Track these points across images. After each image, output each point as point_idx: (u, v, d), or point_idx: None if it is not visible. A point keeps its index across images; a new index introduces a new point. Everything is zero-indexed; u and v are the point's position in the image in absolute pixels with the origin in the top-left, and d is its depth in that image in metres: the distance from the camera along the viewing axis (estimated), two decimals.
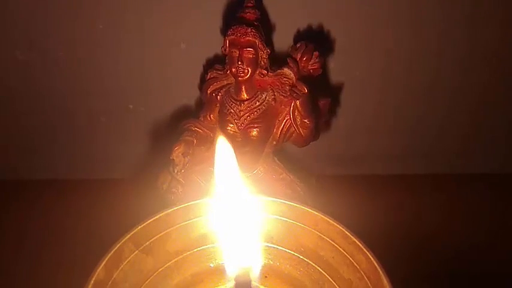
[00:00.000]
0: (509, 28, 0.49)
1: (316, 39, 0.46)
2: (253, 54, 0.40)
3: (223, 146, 0.28)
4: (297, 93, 0.40)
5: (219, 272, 0.30)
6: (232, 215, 0.28)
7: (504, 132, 0.58)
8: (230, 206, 0.28)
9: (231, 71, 0.41)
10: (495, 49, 0.51)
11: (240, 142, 0.43)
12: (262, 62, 0.41)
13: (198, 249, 0.30)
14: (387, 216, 0.52)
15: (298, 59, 0.42)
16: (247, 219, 0.28)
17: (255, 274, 0.29)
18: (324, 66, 0.43)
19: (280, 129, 0.44)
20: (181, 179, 0.44)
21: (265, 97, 0.42)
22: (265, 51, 0.41)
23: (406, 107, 0.56)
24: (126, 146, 0.58)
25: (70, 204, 0.56)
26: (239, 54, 0.40)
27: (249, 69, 0.41)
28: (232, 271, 0.28)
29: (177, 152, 0.42)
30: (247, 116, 0.42)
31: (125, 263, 0.27)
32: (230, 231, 0.28)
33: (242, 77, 0.41)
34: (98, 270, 0.25)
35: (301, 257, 0.30)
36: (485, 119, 0.57)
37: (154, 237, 0.29)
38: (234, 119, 0.42)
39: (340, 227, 0.27)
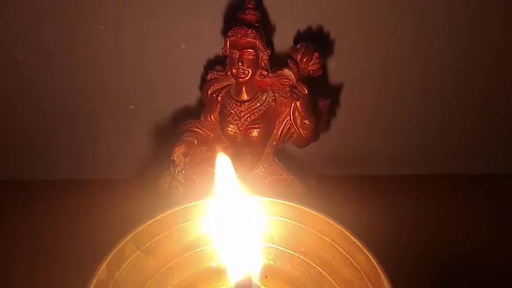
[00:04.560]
0: (510, 28, 0.49)
1: (316, 40, 0.46)
2: (254, 55, 0.40)
3: (222, 162, 0.28)
4: (297, 94, 0.41)
5: (220, 272, 0.30)
6: (233, 215, 0.28)
7: (504, 133, 0.58)
8: (231, 207, 0.28)
9: (231, 72, 0.42)
10: (495, 49, 0.51)
11: (240, 143, 0.43)
12: (262, 63, 0.41)
13: (199, 249, 0.31)
14: (387, 216, 0.52)
15: (298, 60, 0.42)
16: (248, 219, 0.29)
17: (255, 274, 0.29)
18: (324, 67, 0.43)
19: (281, 130, 0.44)
20: (182, 180, 0.44)
21: (266, 98, 0.43)
22: (265, 52, 0.41)
23: (406, 107, 0.56)
24: (126, 147, 0.58)
25: (70, 204, 0.56)
26: (239, 55, 0.40)
27: (250, 71, 0.41)
28: (233, 272, 0.28)
29: (178, 152, 0.42)
30: (248, 117, 0.42)
31: (126, 263, 0.28)
32: (231, 232, 0.28)
33: (243, 78, 0.41)
34: (100, 270, 0.26)
35: (302, 257, 0.30)
36: (485, 119, 0.57)
37: (156, 238, 0.29)
38: (235, 120, 0.43)
39: (341, 228, 0.27)
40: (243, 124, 0.42)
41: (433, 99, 0.55)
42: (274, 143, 0.44)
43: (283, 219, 0.30)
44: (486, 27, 0.49)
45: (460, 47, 0.51)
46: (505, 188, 0.59)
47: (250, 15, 0.41)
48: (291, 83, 0.41)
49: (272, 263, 0.31)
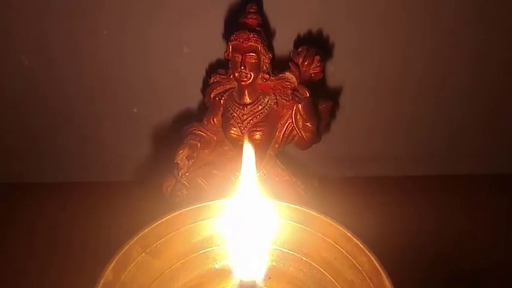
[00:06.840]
0: None
1: (317, 44, 0.47)
2: (256, 59, 0.41)
3: (248, 153, 0.29)
4: (298, 97, 0.41)
5: (224, 273, 0.31)
6: (239, 217, 0.29)
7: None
8: (237, 209, 0.29)
9: (234, 76, 0.42)
10: (498, 49, 0.51)
11: (243, 145, 0.44)
12: (264, 67, 0.42)
13: (204, 251, 0.31)
14: (389, 217, 0.52)
15: (299, 64, 0.42)
16: (253, 221, 0.29)
17: (259, 276, 0.29)
18: (324, 70, 0.44)
19: (283, 132, 0.44)
20: (185, 182, 0.44)
21: (268, 101, 0.43)
22: (267, 56, 0.41)
23: (407, 108, 0.56)
24: (130, 149, 0.58)
25: (75, 207, 0.56)
26: (242, 59, 0.41)
27: (252, 74, 0.41)
28: (238, 273, 0.29)
29: (181, 155, 0.43)
30: (250, 120, 0.43)
31: (132, 265, 0.28)
32: (236, 234, 0.29)
33: (245, 81, 0.42)
34: (107, 272, 0.26)
35: (304, 258, 0.30)
36: (491, 119, 0.57)
37: (161, 240, 0.29)
38: (237, 123, 0.43)
39: (343, 229, 0.28)
40: (245, 127, 0.43)
41: (436, 99, 0.55)
42: (277, 145, 0.45)
43: (287, 221, 0.30)
44: (490, 29, 0.49)
45: (463, 47, 0.51)
46: (508, 188, 0.58)
47: (252, 20, 0.41)
48: (293, 86, 0.42)
49: (275, 264, 0.31)
